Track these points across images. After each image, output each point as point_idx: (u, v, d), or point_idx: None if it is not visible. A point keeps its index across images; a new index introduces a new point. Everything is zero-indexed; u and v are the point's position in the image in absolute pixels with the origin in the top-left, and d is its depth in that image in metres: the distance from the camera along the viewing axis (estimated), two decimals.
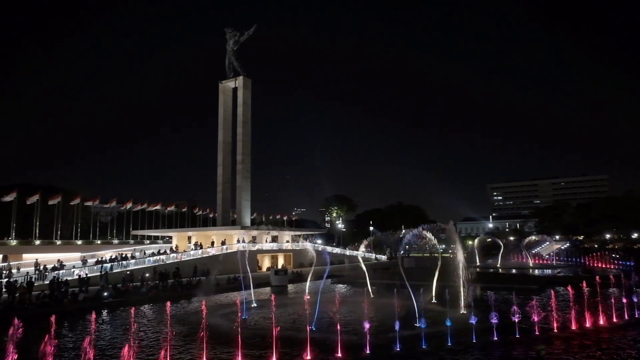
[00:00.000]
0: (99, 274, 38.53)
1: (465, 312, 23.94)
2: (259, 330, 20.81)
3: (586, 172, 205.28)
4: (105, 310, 28.97)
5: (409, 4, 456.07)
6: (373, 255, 79.97)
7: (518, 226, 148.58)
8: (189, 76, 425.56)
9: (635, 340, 19.11)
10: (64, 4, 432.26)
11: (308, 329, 16.59)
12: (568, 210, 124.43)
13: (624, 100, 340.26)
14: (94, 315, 15.33)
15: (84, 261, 44.15)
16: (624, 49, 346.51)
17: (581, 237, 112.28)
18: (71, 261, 44.49)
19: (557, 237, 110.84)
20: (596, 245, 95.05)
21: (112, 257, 45.71)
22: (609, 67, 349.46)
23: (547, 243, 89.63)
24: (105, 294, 32.83)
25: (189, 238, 63.48)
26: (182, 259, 48.41)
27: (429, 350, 16.93)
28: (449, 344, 17.48)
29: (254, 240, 58.83)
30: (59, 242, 61.15)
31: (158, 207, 76.67)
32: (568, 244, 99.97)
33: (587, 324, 20.82)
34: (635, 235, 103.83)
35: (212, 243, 57.14)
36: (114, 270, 41.40)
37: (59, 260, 41.81)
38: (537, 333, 19.10)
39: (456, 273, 26.02)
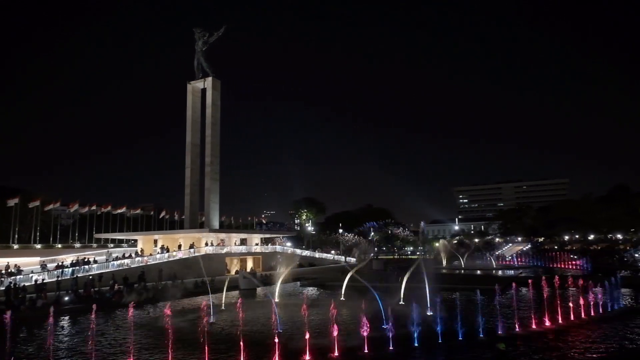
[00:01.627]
0: (57, 279, 37.14)
1: (431, 313, 24.35)
2: (226, 335, 20.55)
3: (547, 176, 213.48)
4: (67, 317, 27.93)
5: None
6: (343, 258, 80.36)
7: (483, 228, 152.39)
8: (157, 77, 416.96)
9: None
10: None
11: (275, 332, 16.51)
12: (529, 213, 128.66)
13: (608, 102, 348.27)
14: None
15: (43, 266, 42.41)
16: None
17: (542, 239, 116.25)
18: (29, 266, 42.65)
19: (520, 238, 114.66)
20: (556, 247, 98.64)
21: (74, 262, 44.12)
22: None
23: (507, 246, 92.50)
24: (66, 299, 31.63)
25: (155, 241, 61.97)
26: (148, 263, 47.23)
27: (396, 351, 17.13)
28: (416, 344, 17.77)
29: (222, 243, 58.05)
30: (16, 246, 58.56)
31: (123, 210, 74.47)
32: (529, 246, 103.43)
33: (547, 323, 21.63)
34: (591, 237, 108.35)
35: (180, 246, 56.02)
36: (76, 275, 39.93)
37: (15, 265, 40.03)
38: (499, 332, 19.67)
39: (422, 275, 26.50)
